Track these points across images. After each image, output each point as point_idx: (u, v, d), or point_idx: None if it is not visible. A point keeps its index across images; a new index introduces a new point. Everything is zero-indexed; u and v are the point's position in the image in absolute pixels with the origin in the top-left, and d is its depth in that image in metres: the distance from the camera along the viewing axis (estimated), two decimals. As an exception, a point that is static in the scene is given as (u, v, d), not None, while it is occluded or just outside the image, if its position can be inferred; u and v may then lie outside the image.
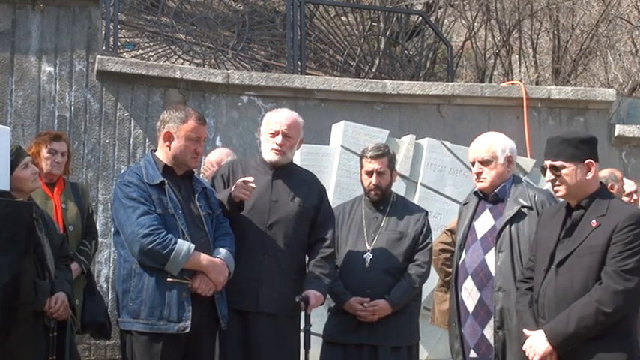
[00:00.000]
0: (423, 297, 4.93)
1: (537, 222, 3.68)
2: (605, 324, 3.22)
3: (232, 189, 4.06)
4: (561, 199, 3.54)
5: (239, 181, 4.05)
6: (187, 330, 3.70)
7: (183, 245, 3.69)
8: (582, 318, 3.21)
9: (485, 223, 4.01)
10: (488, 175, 4.01)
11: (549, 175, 3.43)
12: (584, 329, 3.22)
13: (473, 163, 4.07)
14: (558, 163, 3.41)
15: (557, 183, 3.42)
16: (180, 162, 3.91)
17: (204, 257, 3.77)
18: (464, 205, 4.21)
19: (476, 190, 4.12)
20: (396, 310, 4.33)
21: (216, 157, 5.33)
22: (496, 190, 4.01)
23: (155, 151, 3.98)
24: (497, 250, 3.88)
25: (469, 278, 3.96)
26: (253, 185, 4.03)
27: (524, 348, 3.41)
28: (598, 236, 3.30)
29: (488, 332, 3.88)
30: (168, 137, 3.87)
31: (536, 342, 3.34)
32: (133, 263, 3.74)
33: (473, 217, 4.06)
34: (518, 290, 3.60)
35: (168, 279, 3.69)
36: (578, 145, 3.43)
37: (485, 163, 4.01)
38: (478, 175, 4.03)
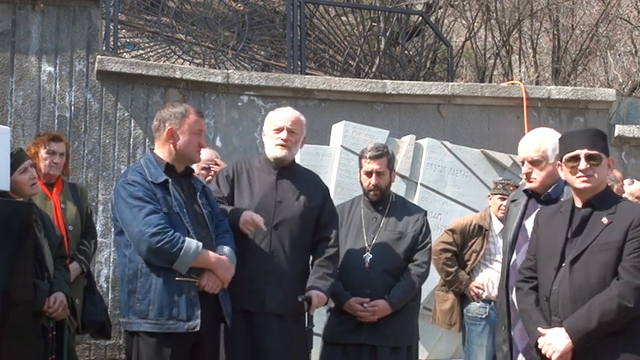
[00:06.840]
0: (423, 297, 4.92)
1: (535, 222, 3.64)
2: (626, 319, 3.20)
3: (241, 218, 4.01)
4: (585, 193, 3.43)
5: (249, 215, 4.01)
6: (197, 328, 3.66)
7: (192, 243, 3.65)
8: (604, 313, 3.19)
9: None
10: (539, 175, 3.83)
11: (584, 164, 3.36)
12: (606, 324, 3.20)
13: (522, 162, 3.90)
14: (596, 153, 3.38)
15: (590, 173, 3.35)
16: (187, 157, 3.87)
17: (212, 255, 3.74)
18: (512, 202, 4.05)
19: (525, 187, 3.95)
20: (396, 310, 4.32)
21: (206, 156, 5.31)
22: (549, 190, 3.83)
23: (153, 149, 3.94)
24: None
25: None
26: (263, 228, 4.01)
27: (540, 346, 3.35)
28: (611, 233, 3.28)
29: None
30: (172, 134, 3.82)
31: (556, 339, 3.28)
32: (139, 263, 3.68)
33: (523, 216, 3.88)
34: (521, 290, 3.55)
35: (177, 278, 3.66)
36: (606, 140, 3.48)
37: (535, 163, 3.82)
38: (527, 175, 3.86)
